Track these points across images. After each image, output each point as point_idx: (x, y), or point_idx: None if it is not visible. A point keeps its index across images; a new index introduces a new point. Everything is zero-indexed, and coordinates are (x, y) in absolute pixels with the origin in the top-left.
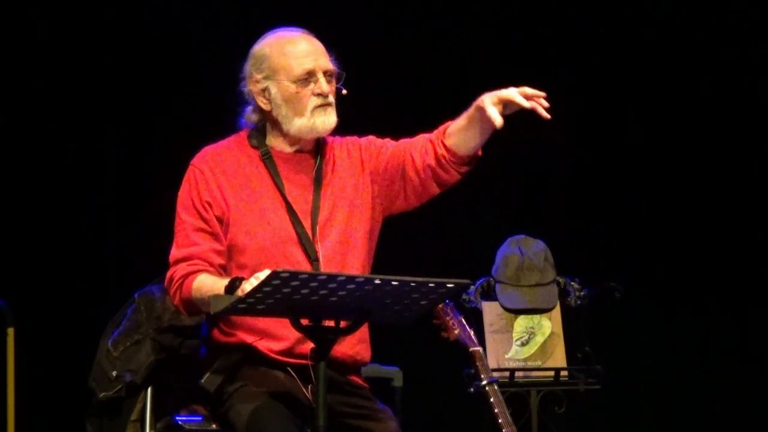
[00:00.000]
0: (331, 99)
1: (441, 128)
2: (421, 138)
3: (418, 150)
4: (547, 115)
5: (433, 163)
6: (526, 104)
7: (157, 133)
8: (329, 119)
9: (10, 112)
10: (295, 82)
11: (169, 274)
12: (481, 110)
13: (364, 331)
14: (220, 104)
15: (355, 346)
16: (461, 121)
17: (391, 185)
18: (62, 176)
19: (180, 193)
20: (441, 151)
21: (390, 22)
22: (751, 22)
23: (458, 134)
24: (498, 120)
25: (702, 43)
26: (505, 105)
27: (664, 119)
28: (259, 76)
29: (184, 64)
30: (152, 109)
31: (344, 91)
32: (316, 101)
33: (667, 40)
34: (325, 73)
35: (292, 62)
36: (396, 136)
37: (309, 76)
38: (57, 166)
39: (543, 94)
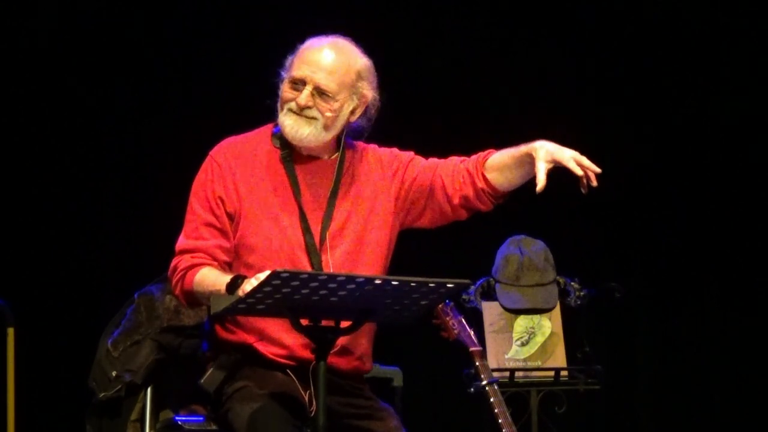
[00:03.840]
0: (314, 114)
1: (478, 158)
2: (455, 163)
3: (452, 176)
4: (585, 191)
5: (470, 193)
6: (579, 172)
7: (157, 133)
8: (297, 128)
9: (9, 112)
10: (287, 81)
11: (173, 263)
12: (532, 159)
13: (366, 346)
14: (219, 104)
15: (356, 360)
16: (506, 158)
17: (415, 203)
18: (62, 176)
19: (195, 181)
20: (480, 184)
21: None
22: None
23: (501, 171)
24: (542, 183)
25: (699, 43)
26: (556, 164)
27: (662, 120)
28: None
29: (183, 64)
30: (152, 108)
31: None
32: (291, 105)
33: (663, 43)
34: (315, 88)
35: (294, 63)
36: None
37: (299, 83)
38: (57, 166)
39: (598, 170)
